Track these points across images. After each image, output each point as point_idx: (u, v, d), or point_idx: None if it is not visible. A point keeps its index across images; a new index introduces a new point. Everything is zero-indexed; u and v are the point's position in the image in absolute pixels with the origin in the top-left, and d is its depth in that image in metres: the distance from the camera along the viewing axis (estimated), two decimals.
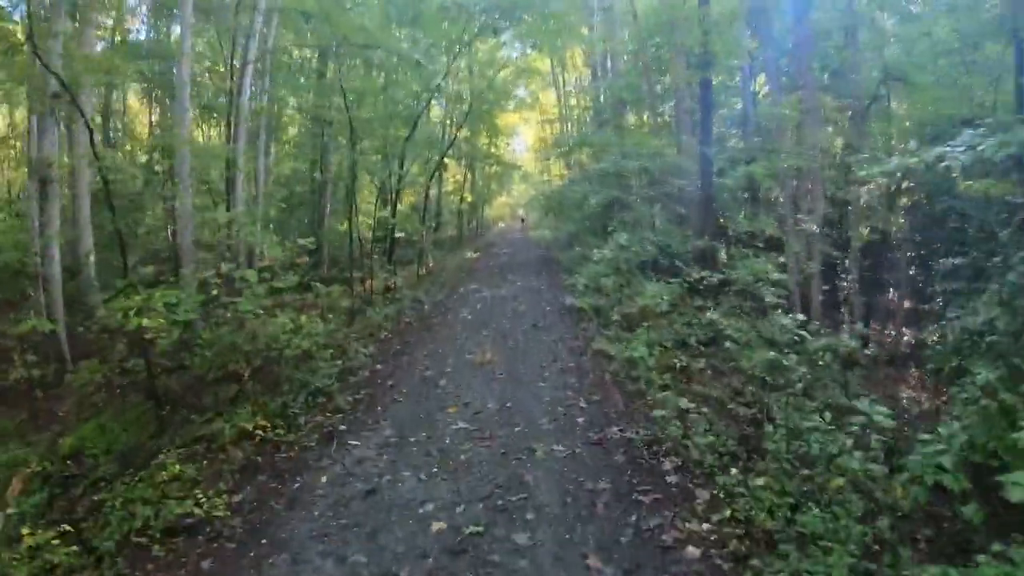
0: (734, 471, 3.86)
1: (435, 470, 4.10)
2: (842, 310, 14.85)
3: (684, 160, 13.22)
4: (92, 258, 11.78)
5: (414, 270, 15.11)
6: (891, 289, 15.27)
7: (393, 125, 11.46)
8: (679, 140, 14.95)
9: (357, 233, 12.31)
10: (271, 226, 21.98)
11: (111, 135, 19.32)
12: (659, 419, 4.46)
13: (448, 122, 19.44)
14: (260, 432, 4.98)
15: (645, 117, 22.90)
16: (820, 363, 4.14)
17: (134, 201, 18.80)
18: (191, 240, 12.81)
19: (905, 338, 14.28)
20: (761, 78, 20.57)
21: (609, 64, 22.49)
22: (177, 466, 4.62)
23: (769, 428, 4.20)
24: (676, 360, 6.40)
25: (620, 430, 4.61)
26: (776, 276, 6.08)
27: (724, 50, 12.93)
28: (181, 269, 11.52)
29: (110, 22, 18.80)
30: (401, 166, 12.04)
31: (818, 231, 9.70)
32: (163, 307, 5.06)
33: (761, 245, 8.55)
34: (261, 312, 5.66)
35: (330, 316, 8.59)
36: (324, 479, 4.15)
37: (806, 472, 3.87)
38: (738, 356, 5.13)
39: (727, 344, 5.33)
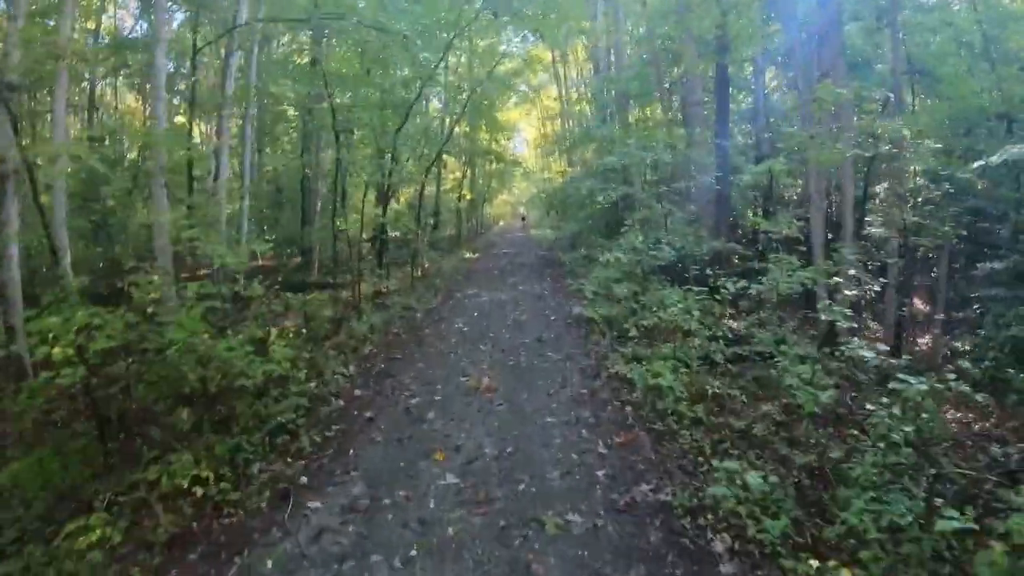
0: (813, 563, 2.88)
1: (413, 553, 3.11)
2: (863, 315, 13.88)
3: (696, 154, 12.25)
4: (68, 260, 10.87)
5: (409, 272, 14.11)
6: (911, 294, 14.30)
7: (384, 115, 10.44)
8: (691, 134, 13.99)
9: (345, 233, 11.36)
10: (265, 226, 21.08)
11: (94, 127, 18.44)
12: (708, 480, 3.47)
13: (448, 119, 18.43)
14: (200, 488, 4.01)
15: (649, 112, 21.96)
16: (925, 415, 3.16)
17: (120, 199, 17.91)
18: (168, 244, 11.83)
19: (930, 347, 13.32)
20: (770, 72, 19.55)
21: (613, 58, 21.59)
22: (97, 531, 3.67)
23: (849, 495, 3.22)
24: (708, 386, 5.43)
25: (652, 489, 3.63)
26: (848, 291, 5.08)
27: (744, 34, 11.95)
28: (154, 278, 10.56)
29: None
30: (393, 160, 11.03)
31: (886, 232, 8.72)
32: (78, 332, 4.08)
33: (803, 248, 7.57)
34: (202, 338, 4.64)
35: (304, 330, 7.62)
36: (270, 562, 3.17)
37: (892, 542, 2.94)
38: (798, 394, 4.13)
39: (789, 383, 4.32)
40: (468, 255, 20.26)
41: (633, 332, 7.07)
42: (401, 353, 7.08)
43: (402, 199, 21.61)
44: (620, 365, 5.87)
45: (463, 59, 19.34)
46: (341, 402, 5.50)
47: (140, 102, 21.16)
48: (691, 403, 5.07)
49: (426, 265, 16.18)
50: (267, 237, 20.75)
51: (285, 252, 19.35)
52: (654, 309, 7.22)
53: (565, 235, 19.90)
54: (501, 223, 42.61)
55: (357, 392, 5.77)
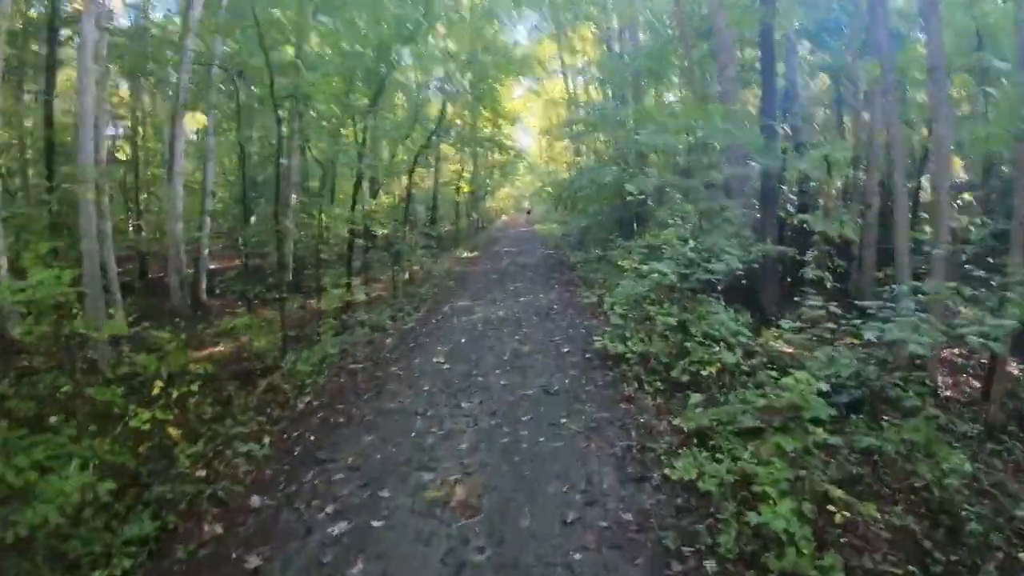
0: None
1: None
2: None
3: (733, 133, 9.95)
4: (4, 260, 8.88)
5: (392, 278, 11.85)
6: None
7: (352, 82, 8.21)
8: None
9: (310, 233, 9.24)
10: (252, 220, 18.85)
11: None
12: None
13: (449, 106, 16.16)
14: None
15: (673, 93, 19.72)
16: None
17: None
18: (96, 246, 9.71)
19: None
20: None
21: (627, 36, 19.37)
22: None
23: None
24: (824, 488, 3.24)
25: None
26: None
27: None
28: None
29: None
30: (363, 143, 8.81)
31: None
32: None
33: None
34: None
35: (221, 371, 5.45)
36: None
37: None
38: None
39: None
40: (466, 254, 18.09)
41: (686, 379, 4.86)
42: (347, 414, 4.87)
43: (396, 193, 19.43)
44: (682, 458, 3.63)
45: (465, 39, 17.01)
46: (219, 527, 3.30)
47: (131, 93, 19.02)
48: (814, 541, 2.86)
49: (415, 267, 13.98)
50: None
51: (258, 252, 17.16)
52: (715, 349, 4.99)
53: (573, 231, 17.69)
54: (504, 217, 40.36)
55: (254, 501, 3.57)
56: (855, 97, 14.71)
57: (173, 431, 4.57)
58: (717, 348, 4.94)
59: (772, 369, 4.73)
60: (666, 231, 6.40)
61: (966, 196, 14.36)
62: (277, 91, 6.33)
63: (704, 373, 4.71)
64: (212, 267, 17.12)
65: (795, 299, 12.22)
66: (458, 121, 21.51)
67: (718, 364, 4.79)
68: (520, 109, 30.08)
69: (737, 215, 7.08)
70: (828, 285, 9.34)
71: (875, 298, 10.41)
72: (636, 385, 5.06)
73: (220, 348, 8.71)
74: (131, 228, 19.55)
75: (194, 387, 4.93)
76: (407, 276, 13.04)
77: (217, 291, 14.11)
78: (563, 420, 4.41)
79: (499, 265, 14.51)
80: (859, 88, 14.18)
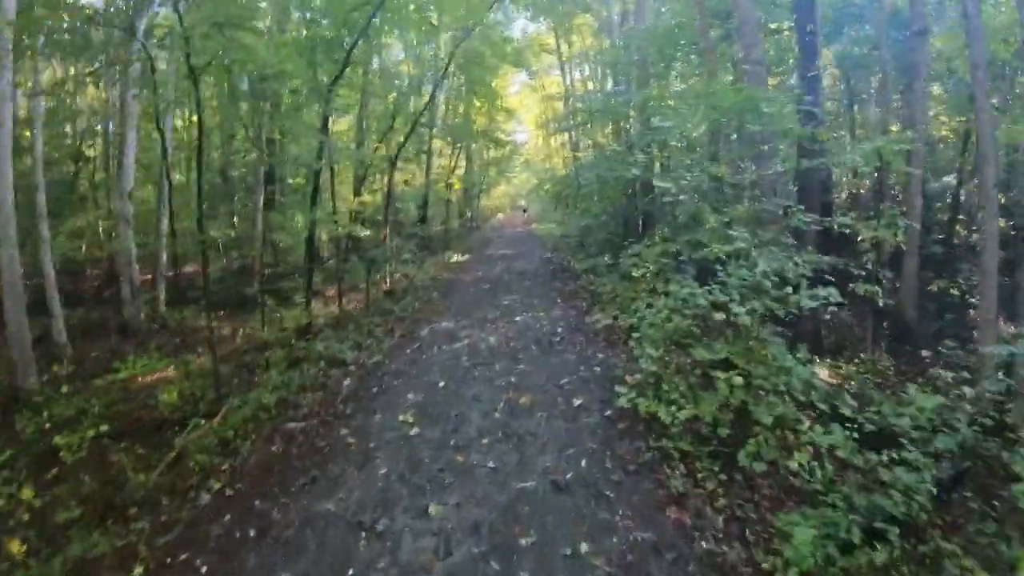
0: None
1: None
2: None
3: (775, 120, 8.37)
4: None
5: (367, 291, 10.20)
6: None
7: (312, 55, 6.61)
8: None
9: (268, 239, 7.65)
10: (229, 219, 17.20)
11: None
12: None
13: (439, 94, 14.53)
14: None
15: (673, 85, 18.11)
16: None
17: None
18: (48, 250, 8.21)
19: None
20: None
21: (632, 21, 17.80)
22: None
23: None
24: None
25: None
26: None
27: None
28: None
29: None
30: (324, 129, 7.21)
31: None
32: None
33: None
34: None
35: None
36: None
37: None
38: None
39: None
40: (456, 257, 16.48)
41: (761, 470, 3.31)
42: (265, 519, 3.28)
43: (398, 188, 17.78)
44: None
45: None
46: None
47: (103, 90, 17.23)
48: None
49: (396, 276, 12.37)
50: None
51: (232, 256, 15.51)
52: (803, 423, 3.43)
53: (574, 231, 16.12)
54: (499, 216, 38.77)
55: None
56: (882, 89, 13.23)
57: (16, 546, 3.07)
58: (806, 422, 3.38)
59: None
60: (725, 246, 4.80)
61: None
62: (194, 58, 4.73)
63: (792, 465, 3.16)
64: (188, 270, 15.47)
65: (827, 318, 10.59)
66: (450, 113, 19.93)
67: (808, 447, 3.24)
68: (516, 105, 28.54)
69: (802, 220, 5.48)
70: (880, 303, 7.88)
71: (922, 312, 8.85)
72: (683, 471, 3.51)
73: (164, 373, 7.13)
74: (101, 229, 17.93)
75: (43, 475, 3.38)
76: (387, 286, 11.46)
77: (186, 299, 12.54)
78: (584, 547, 2.85)
79: (492, 272, 12.92)
80: (887, 78, 12.65)
